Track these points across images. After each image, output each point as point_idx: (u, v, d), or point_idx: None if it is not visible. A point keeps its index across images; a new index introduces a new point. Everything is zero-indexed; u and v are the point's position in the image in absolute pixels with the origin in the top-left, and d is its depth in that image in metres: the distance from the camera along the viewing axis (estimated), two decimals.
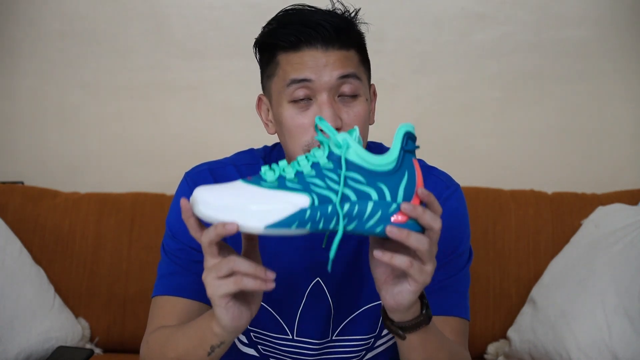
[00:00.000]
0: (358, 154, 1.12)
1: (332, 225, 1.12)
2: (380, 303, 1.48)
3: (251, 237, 1.19)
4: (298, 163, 1.13)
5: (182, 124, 2.71)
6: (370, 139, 1.50)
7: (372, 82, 1.48)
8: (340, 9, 1.43)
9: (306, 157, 1.14)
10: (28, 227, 2.37)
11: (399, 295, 1.16)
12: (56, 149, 2.72)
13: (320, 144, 1.15)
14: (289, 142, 1.40)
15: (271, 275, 1.12)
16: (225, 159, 1.54)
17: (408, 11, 2.65)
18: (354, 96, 1.39)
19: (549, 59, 2.64)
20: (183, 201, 1.13)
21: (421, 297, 1.23)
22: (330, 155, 1.13)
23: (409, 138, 1.13)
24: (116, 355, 2.32)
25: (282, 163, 1.14)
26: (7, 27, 2.70)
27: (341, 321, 1.49)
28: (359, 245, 1.47)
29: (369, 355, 1.53)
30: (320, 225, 1.11)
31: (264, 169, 1.13)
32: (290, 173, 1.12)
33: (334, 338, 1.50)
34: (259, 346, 1.52)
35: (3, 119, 2.73)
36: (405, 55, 2.65)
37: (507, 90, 2.65)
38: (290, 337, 1.49)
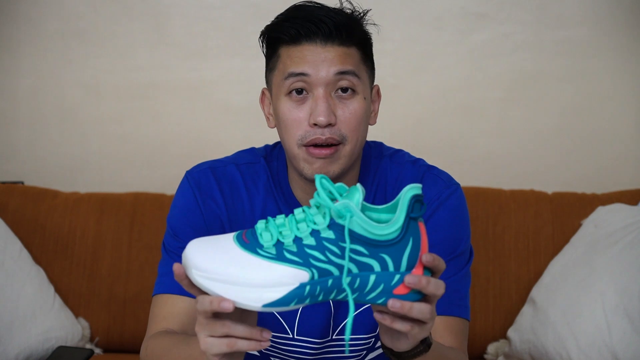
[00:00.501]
0: (361, 225, 1.06)
1: (331, 297, 1.08)
2: (382, 300, 1.47)
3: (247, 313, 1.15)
4: (297, 224, 1.07)
5: (182, 124, 2.71)
6: (369, 138, 1.50)
7: (375, 83, 1.48)
8: (349, 9, 1.43)
9: (304, 214, 1.09)
10: (28, 227, 2.37)
11: (397, 342, 1.15)
12: (56, 149, 2.72)
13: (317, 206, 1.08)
14: (285, 135, 1.41)
15: (267, 335, 1.09)
16: (227, 158, 1.54)
17: (408, 11, 2.65)
18: (351, 93, 1.39)
19: (549, 59, 2.64)
20: (176, 266, 1.09)
21: None
22: (332, 225, 1.07)
23: (416, 202, 1.07)
24: (116, 355, 2.32)
25: (279, 220, 1.08)
26: (7, 27, 2.70)
27: (341, 320, 1.49)
28: None
29: (370, 355, 1.53)
30: (320, 298, 1.08)
31: (260, 227, 1.08)
32: (288, 238, 1.06)
33: (334, 337, 1.50)
34: None
35: (3, 119, 2.73)
36: (405, 55, 2.65)
37: (507, 90, 2.65)
38: (291, 336, 1.49)
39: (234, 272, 1.05)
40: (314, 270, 1.06)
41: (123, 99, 2.71)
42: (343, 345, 1.50)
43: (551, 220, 2.33)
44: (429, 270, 1.11)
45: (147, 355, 1.38)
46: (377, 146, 1.55)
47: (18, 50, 2.71)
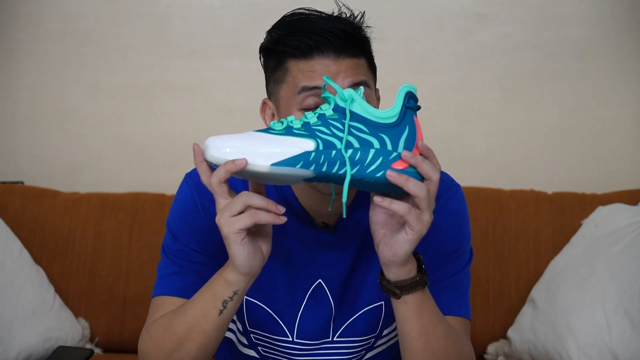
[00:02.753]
0: (362, 107, 1.21)
1: (334, 169, 1.19)
2: (382, 303, 1.48)
3: (258, 188, 1.25)
4: (305, 116, 1.21)
5: (182, 124, 2.71)
6: None
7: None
8: (345, 13, 1.41)
9: (313, 112, 1.22)
10: (28, 227, 2.36)
11: (395, 244, 1.22)
12: (56, 149, 2.72)
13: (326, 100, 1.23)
14: None
15: (282, 209, 1.20)
16: None
17: (408, 11, 2.65)
18: None
19: (549, 59, 2.64)
20: (195, 146, 1.20)
21: (419, 261, 1.28)
22: (336, 108, 1.21)
23: (411, 97, 1.22)
24: (116, 355, 2.32)
25: (290, 117, 1.21)
26: (7, 27, 2.70)
27: (342, 322, 1.49)
28: (360, 246, 1.47)
29: (369, 354, 1.53)
30: (324, 168, 1.18)
31: (273, 122, 1.21)
32: (297, 124, 1.20)
33: (334, 339, 1.50)
34: (259, 347, 1.52)
35: (3, 119, 2.73)
36: (405, 55, 2.65)
37: (507, 90, 2.65)
38: (290, 338, 1.49)
39: (246, 143, 1.18)
40: (319, 141, 1.19)
41: (123, 99, 2.71)
42: (343, 347, 1.50)
43: (551, 220, 2.33)
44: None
45: (150, 337, 1.37)
46: None
47: (18, 50, 2.71)
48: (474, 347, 2.24)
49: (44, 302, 2.24)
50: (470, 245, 1.50)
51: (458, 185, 1.52)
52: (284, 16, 1.40)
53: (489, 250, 2.31)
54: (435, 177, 1.20)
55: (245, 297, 1.47)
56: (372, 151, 1.19)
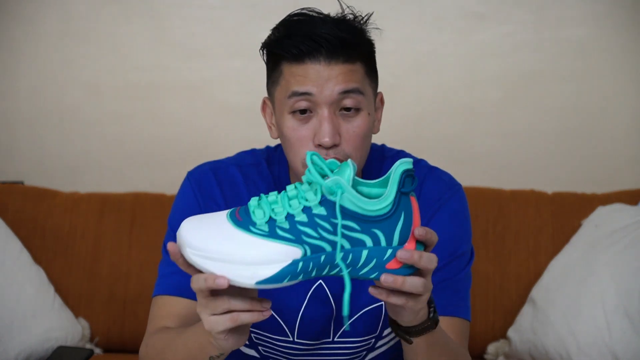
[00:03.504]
0: (352, 201, 1.07)
1: (324, 272, 1.09)
2: (382, 303, 1.48)
3: None
4: (289, 201, 1.08)
5: (182, 124, 2.71)
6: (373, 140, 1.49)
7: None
8: (351, 14, 1.41)
9: (296, 190, 1.09)
10: (28, 227, 2.36)
11: (398, 315, 1.17)
12: (56, 149, 2.72)
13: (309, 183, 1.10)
14: (289, 152, 1.40)
15: (267, 304, 1.11)
16: (228, 159, 1.54)
17: (408, 11, 2.65)
18: (355, 111, 1.38)
19: (549, 59, 2.64)
20: (170, 245, 1.11)
21: (429, 302, 1.22)
22: (323, 201, 1.08)
23: (407, 176, 1.08)
24: (116, 355, 2.32)
25: (272, 197, 1.10)
26: (7, 27, 2.70)
27: (343, 323, 1.49)
28: None
29: (370, 355, 1.53)
30: (313, 274, 1.09)
31: (253, 204, 1.10)
32: (280, 215, 1.08)
33: (335, 339, 1.50)
34: (260, 347, 1.52)
35: (3, 119, 2.73)
36: (405, 55, 2.65)
37: (507, 90, 2.65)
38: (291, 339, 1.49)
39: (227, 250, 1.06)
40: (306, 247, 1.07)
41: (123, 99, 2.71)
42: (343, 347, 1.50)
43: (551, 220, 2.33)
44: (422, 244, 1.11)
45: (148, 353, 1.38)
46: (379, 149, 1.54)
47: (18, 50, 2.71)
48: (474, 347, 2.25)
49: (44, 302, 2.24)
50: (471, 245, 1.50)
51: (459, 185, 1.52)
52: (288, 15, 1.40)
53: (489, 250, 2.31)
54: (433, 266, 1.11)
55: None
56: (364, 252, 1.08)
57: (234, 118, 2.68)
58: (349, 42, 1.36)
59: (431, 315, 1.21)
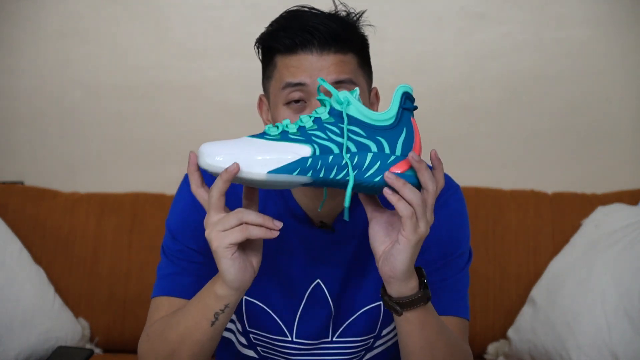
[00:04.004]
0: (358, 110, 1.18)
1: (332, 175, 1.17)
2: (380, 303, 1.48)
3: (251, 195, 1.23)
4: (301, 120, 1.19)
5: (182, 124, 2.71)
6: None
7: (374, 85, 1.47)
8: (344, 11, 1.42)
9: (308, 115, 1.20)
10: (28, 227, 2.36)
11: (392, 258, 1.21)
12: (56, 149, 2.72)
13: (321, 103, 1.21)
14: None
15: (279, 224, 1.18)
16: None
17: (408, 11, 2.65)
18: None
19: (549, 59, 2.64)
20: (191, 153, 1.18)
21: (421, 275, 1.26)
22: (332, 111, 1.19)
23: (407, 98, 1.20)
24: (116, 355, 2.32)
25: (285, 121, 1.19)
26: (7, 27, 2.70)
27: (341, 322, 1.49)
28: (358, 246, 1.47)
29: (369, 355, 1.53)
30: (322, 174, 1.17)
31: (268, 126, 1.19)
32: (292, 128, 1.18)
33: (334, 339, 1.50)
34: (259, 348, 1.52)
35: (3, 119, 2.73)
36: (405, 55, 2.65)
37: (507, 90, 2.65)
38: (290, 339, 1.49)
39: (242, 151, 1.16)
40: (316, 146, 1.17)
41: (123, 99, 2.71)
42: (342, 347, 1.50)
43: (551, 220, 2.33)
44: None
45: (149, 341, 1.37)
46: None
47: (18, 50, 2.71)
48: (474, 347, 2.25)
49: (44, 302, 2.24)
50: (469, 245, 1.50)
51: (457, 185, 1.52)
52: (283, 12, 1.42)
53: (489, 250, 2.31)
54: (432, 188, 1.18)
55: (244, 297, 1.47)
56: (369, 155, 1.18)
57: (234, 118, 2.68)
58: (340, 33, 1.37)
59: (422, 288, 1.24)
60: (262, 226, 1.17)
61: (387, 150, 1.19)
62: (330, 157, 1.17)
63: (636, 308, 2.02)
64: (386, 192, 1.17)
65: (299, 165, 1.16)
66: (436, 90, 2.66)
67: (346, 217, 1.19)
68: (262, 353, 1.52)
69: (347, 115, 1.18)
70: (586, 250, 2.19)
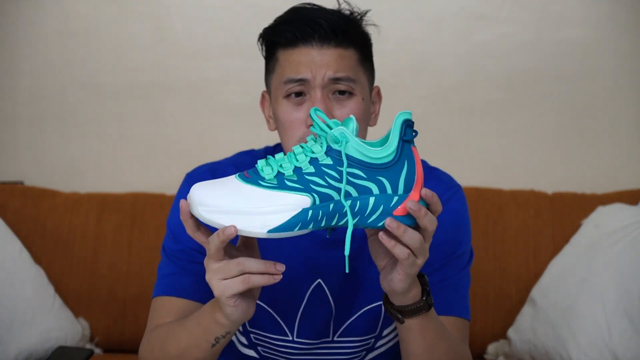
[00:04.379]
0: (357, 149, 1.11)
1: (334, 222, 1.12)
2: (381, 303, 1.48)
3: (250, 243, 1.20)
4: (295, 157, 1.11)
5: (182, 124, 2.71)
6: (369, 138, 1.49)
7: (375, 84, 1.48)
8: (348, 10, 1.43)
9: (302, 148, 1.12)
10: (28, 227, 2.36)
11: (391, 282, 1.19)
12: (56, 149, 2.72)
13: (316, 136, 1.13)
14: (284, 136, 1.42)
15: (281, 268, 1.14)
16: (226, 159, 1.54)
17: (408, 11, 2.65)
18: (349, 95, 1.40)
19: (549, 59, 2.64)
20: (182, 202, 1.13)
21: (423, 284, 1.24)
22: (329, 151, 1.11)
23: (408, 126, 1.12)
24: (116, 355, 2.32)
25: (279, 156, 1.12)
26: (7, 27, 2.70)
27: (342, 322, 1.49)
28: (359, 246, 1.47)
29: (370, 355, 1.53)
30: (323, 223, 1.11)
31: (261, 163, 1.12)
32: (288, 169, 1.11)
33: (334, 339, 1.50)
34: (259, 347, 1.52)
35: (3, 119, 2.72)
36: (405, 55, 2.65)
37: (507, 90, 2.65)
38: (290, 338, 1.49)
39: (237, 202, 1.09)
40: (315, 195, 1.10)
41: (123, 99, 2.71)
42: (343, 347, 1.50)
43: (551, 220, 2.33)
44: (425, 203, 1.14)
45: (149, 347, 1.37)
46: None
47: (18, 51, 2.71)
48: (474, 347, 2.25)
49: (44, 302, 2.24)
50: (470, 245, 1.50)
51: (459, 185, 1.52)
52: (288, 9, 1.43)
53: (489, 250, 2.31)
54: (432, 228, 1.14)
55: None
56: (371, 199, 1.11)
57: (234, 118, 2.67)
58: (341, 26, 1.38)
59: (424, 297, 1.23)
60: (265, 273, 1.13)
61: (389, 191, 1.12)
62: (331, 205, 1.11)
63: (636, 308, 2.02)
64: (382, 237, 1.13)
65: (299, 220, 1.09)
66: (436, 90, 2.66)
67: (347, 270, 1.15)
68: (263, 353, 1.52)
69: (346, 155, 1.10)
70: (586, 250, 2.19)
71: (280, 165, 1.11)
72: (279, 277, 1.14)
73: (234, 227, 1.08)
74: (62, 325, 2.24)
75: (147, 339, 1.40)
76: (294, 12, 1.42)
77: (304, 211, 1.09)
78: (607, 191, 2.41)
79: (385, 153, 1.11)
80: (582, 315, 2.07)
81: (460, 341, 1.41)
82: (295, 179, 1.10)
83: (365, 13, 1.44)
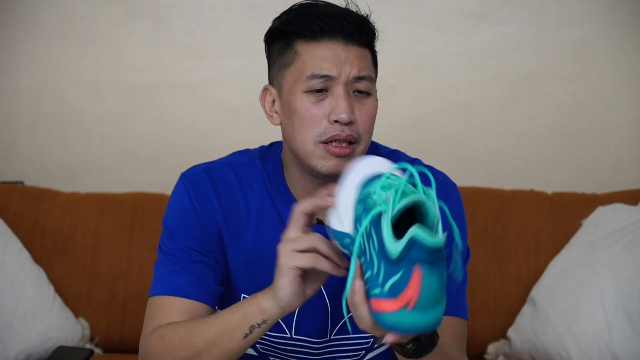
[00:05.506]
0: (386, 235, 1.06)
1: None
2: None
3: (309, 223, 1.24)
4: (380, 201, 1.10)
5: (182, 124, 2.71)
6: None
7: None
8: (354, 9, 1.43)
9: (382, 196, 1.10)
10: (28, 227, 2.37)
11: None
12: (56, 149, 2.72)
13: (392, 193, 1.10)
14: (300, 132, 1.39)
15: (345, 264, 1.16)
16: (221, 159, 1.54)
17: (408, 11, 2.65)
18: (367, 94, 1.40)
19: (549, 59, 2.64)
20: (329, 198, 1.19)
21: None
22: (374, 221, 1.08)
23: (414, 245, 1.03)
24: (116, 355, 2.32)
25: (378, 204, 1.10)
26: (7, 27, 2.70)
27: (339, 320, 1.49)
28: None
29: (369, 355, 1.53)
30: (347, 251, 1.15)
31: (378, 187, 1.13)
32: (359, 210, 1.13)
33: (332, 337, 1.50)
34: (258, 345, 1.52)
35: (3, 119, 2.73)
36: (405, 55, 2.65)
37: (507, 90, 2.65)
38: (288, 335, 1.49)
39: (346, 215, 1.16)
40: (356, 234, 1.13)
41: (123, 99, 2.71)
42: (342, 346, 1.50)
43: (551, 220, 2.33)
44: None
45: (163, 342, 1.36)
46: (373, 146, 1.54)
47: (18, 51, 2.71)
48: (474, 347, 2.26)
49: (44, 302, 2.24)
50: (467, 244, 1.50)
51: (454, 184, 1.52)
52: (293, 4, 1.41)
53: (489, 250, 2.31)
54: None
55: (243, 294, 1.47)
56: (367, 273, 1.10)
57: (233, 118, 2.68)
58: (363, 25, 1.38)
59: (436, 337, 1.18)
60: (331, 260, 1.18)
61: (379, 280, 1.07)
62: (347, 240, 1.15)
63: (636, 308, 2.02)
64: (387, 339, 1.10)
65: (345, 236, 1.15)
66: (436, 90, 2.66)
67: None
68: (262, 350, 1.52)
69: (377, 226, 1.08)
70: (586, 250, 2.19)
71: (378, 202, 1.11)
72: (343, 271, 1.18)
73: (334, 201, 1.15)
74: (62, 325, 2.24)
75: (148, 338, 1.39)
76: (306, 6, 1.39)
77: (349, 235, 1.14)
78: (607, 191, 2.41)
79: (395, 248, 1.04)
80: (582, 315, 2.07)
81: (459, 351, 1.40)
82: (361, 210, 1.13)
83: (369, 15, 1.44)
